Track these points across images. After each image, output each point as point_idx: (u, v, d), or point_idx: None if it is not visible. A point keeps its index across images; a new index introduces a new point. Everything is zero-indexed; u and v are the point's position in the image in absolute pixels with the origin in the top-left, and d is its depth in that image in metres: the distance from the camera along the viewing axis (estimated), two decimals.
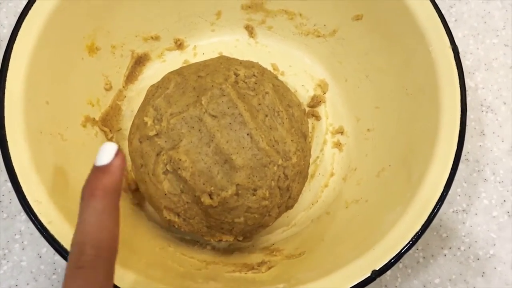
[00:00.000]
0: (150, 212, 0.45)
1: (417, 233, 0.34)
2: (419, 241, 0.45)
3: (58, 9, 0.39)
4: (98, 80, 0.46)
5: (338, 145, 0.48)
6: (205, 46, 0.51)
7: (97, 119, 0.45)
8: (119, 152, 0.28)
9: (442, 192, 0.35)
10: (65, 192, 0.36)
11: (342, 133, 0.48)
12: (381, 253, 0.34)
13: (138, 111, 0.44)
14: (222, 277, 0.38)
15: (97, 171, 0.28)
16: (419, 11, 0.39)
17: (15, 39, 0.38)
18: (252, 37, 0.51)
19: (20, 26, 0.38)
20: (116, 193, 0.28)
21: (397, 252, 0.34)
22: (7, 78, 0.36)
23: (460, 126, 0.37)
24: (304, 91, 0.50)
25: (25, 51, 0.38)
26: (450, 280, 0.45)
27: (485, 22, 0.54)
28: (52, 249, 0.44)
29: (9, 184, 0.46)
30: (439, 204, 0.35)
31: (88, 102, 0.44)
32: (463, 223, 0.47)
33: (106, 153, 0.28)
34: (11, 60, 0.37)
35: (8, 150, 0.35)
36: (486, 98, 0.51)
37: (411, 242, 0.34)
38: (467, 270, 0.45)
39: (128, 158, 0.46)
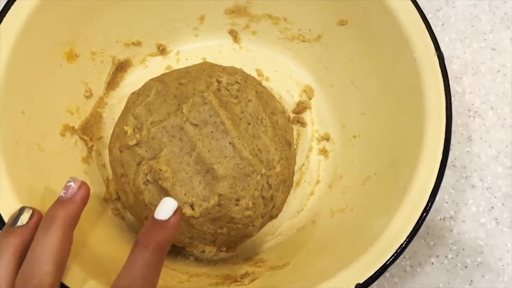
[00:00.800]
0: (131, 222, 0.44)
1: (402, 244, 0.34)
2: (406, 249, 0.44)
3: (35, 14, 0.38)
4: (77, 87, 0.45)
5: (324, 152, 0.47)
6: (188, 51, 0.50)
7: (76, 127, 0.44)
8: (177, 210, 0.30)
9: (428, 201, 0.35)
10: (40, 205, 0.35)
11: (328, 139, 0.48)
12: (365, 265, 0.33)
13: (118, 119, 0.44)
14: None
15: (155, 224, 0.30)
16: (404, 16, 0.39)
17: None
18: (236, 42, 0.50)
19: None
20: (166, 250, 0.30)
21: (381, 264, 0.33)
22: None
23: (446, 133, 0.36)
24: (289, 97, 0.49)
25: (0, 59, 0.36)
26: None
27: (472, 26, 0.53)
28: None
29: None
30: (425, 214, 0.34)
31: (67, 110, 0.43)
32: (451, 230, 0.46)
33: (166, 208, 0.30)
34: None
35: None
36: (474, 103, 0.50)
37: (396, 254, 0.33)
38: (454, 278, 0.45)
39: (108, 167, 0.45)
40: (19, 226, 0.32)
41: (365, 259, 0.34)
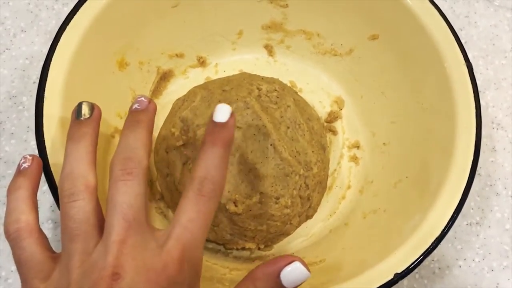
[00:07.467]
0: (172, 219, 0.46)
1: (437, 238, 0.36)
2: (435, 252, 0.46)
3: (92, 26, 0.42)
4: (126, 94, 0.48)
5: (354, 159, 0.50)
6: (226, 64, 0.53)
7: None
8: (232, 113, 0.32)
9: (460, 199, 0.37)
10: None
11: (358, 147, 0.50)
12: (403, 257, 0.35)
13: (164, 123, 0.47)
14: None
15: (216, 126, 0.32)
16: (434, 30, 0.42)
17: (53, 53, 0.40)
18: (271, 55, 0.54)
19: (59, 40, 0.40)
20: (230, 147, 0.32)
21: (418, 256, 0.35)
22: (46, 88, 0.39)
23: (476, 138, 0.39)
24: (321, 107, 0.52)
25: (62, 64, 0.40)
26: None
27: (493, 44, 0.56)
28: None
29: None
30: (459, 210, 0.37)
31: (117, 114, 0.46)
32: (477, 235, 0.48)
33: (223, 112, 0.32)
34: (49, 71, 0.39)
35: (47, 156, 0.37)
36: (497, 116, 0.53)
37: (431, 247, 0.35)
38: (481, 281, 0.46)
39: (153, 168, 0.47)
40: (86, 119, 0.35)
41: (402, 252, 0.36)
